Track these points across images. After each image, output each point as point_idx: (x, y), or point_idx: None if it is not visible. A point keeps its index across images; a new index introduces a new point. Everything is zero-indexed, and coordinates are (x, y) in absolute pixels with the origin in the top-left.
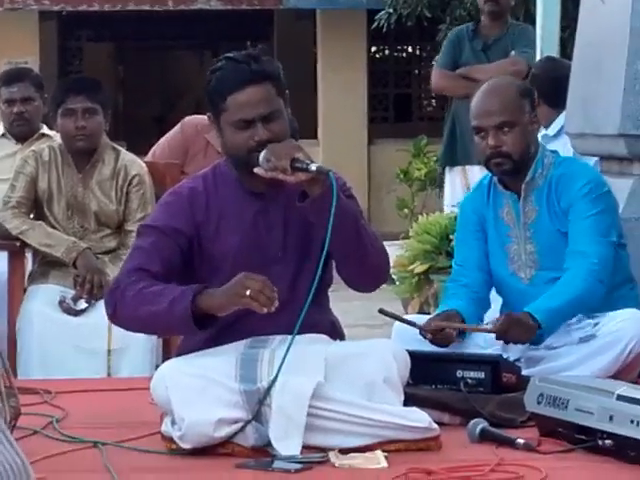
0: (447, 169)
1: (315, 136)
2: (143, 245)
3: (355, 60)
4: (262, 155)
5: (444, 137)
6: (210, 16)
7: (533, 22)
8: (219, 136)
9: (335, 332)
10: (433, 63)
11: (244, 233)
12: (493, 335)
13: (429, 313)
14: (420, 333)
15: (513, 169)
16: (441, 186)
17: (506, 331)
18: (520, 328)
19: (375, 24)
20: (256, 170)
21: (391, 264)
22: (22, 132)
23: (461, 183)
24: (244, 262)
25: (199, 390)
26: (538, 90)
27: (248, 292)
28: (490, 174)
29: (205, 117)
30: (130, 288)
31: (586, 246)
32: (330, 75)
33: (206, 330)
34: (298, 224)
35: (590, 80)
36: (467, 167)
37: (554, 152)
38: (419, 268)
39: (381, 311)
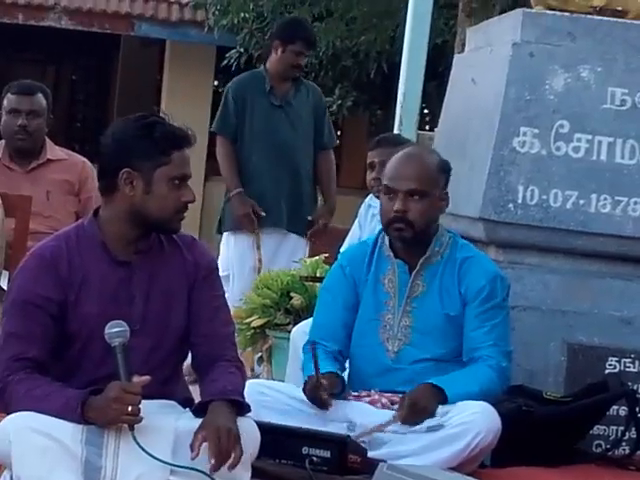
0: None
1: None
2: (16, 331)
3: (200, 94)
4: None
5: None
6: (57, 33)
7: (397, 75)
8: (131, 192)
9: (188, 405)
10: None
11: (104, 305)
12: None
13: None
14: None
15: (412, 238)
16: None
17: (411, 419)
18: (419, 409)
19: (225, 62)
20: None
21: None
22: None
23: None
24: (99, 335)
25: (41, 450)
26: None
27: (130, 409)
28: (378, 236)
29: None
30: (16, 390)
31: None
32: (173, 106)
33: None
34: (160, 294)
35: (452, 159)
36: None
37: (452, 233)
38: (256, 322)
39: None
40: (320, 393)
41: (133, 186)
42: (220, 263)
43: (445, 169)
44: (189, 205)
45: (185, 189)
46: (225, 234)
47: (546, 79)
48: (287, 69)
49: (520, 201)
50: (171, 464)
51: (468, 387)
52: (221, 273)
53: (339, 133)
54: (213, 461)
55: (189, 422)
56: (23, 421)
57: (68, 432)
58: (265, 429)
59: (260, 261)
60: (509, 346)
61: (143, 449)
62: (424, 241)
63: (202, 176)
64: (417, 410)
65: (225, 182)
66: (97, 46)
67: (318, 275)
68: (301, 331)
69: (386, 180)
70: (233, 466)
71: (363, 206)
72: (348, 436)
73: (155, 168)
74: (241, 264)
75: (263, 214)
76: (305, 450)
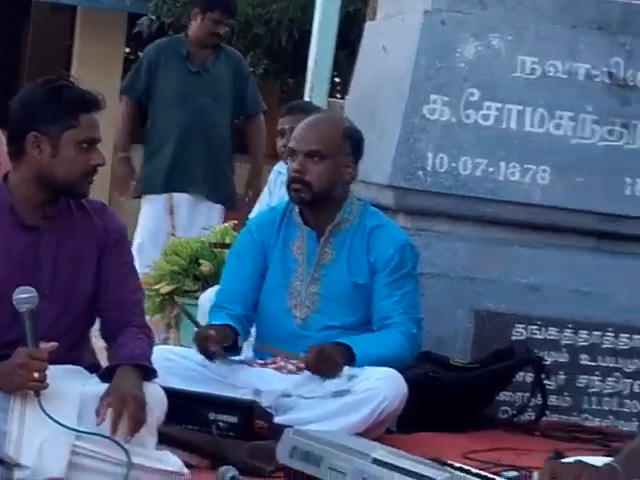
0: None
1: None
2: None
3: (111, 61)
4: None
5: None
6: None
7: (309, 43)
8: (38, 155)
9: (95, 371)
10: None
11: (10, 269)
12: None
13: (167, 336)
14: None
15: (311, 201)
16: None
17: (317, 366)
18: (326, 356)
19: (136, 29)
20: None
21: None
22: None
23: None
24: (7, 300)
25: None
26: None
27: (36, 375)
28: (288, 203)
29: None
30: None
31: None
32: (84, 72)
33: None
34: (68, 260)
35: (363, 127)
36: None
37: (363, 201)
38: (165, 288)
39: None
40: (208, 343)
41: (41, 150)
42: (137, 230)
43: (352, 136)
44: (99, 171)
45: (94, 152)
46: (142, 202)
47: (457, 47)
48: (206, 37)
49: (429, 168)
50: (76, 430)
51: (377, 349)
52: (138, 240)
53: None
54: (119, 428)
55: (95, 387)
56: None
57: None
58: (172, 394)
59: (174, 227)
60: (419, 313)
61: (48, 415)
62: (332, 208)
63: (111, 143)
64: (324, 357)
65: (115, 142)
66: (7, 11)
67: (227, 242)
68: (209, 298)
69: (290, 142)
70: (137, 432)
71: (273, 173)
72: (254, 401)
73: (63, 131)
74: (156, 230)
75: (133, 183)
76: (212, 416)
